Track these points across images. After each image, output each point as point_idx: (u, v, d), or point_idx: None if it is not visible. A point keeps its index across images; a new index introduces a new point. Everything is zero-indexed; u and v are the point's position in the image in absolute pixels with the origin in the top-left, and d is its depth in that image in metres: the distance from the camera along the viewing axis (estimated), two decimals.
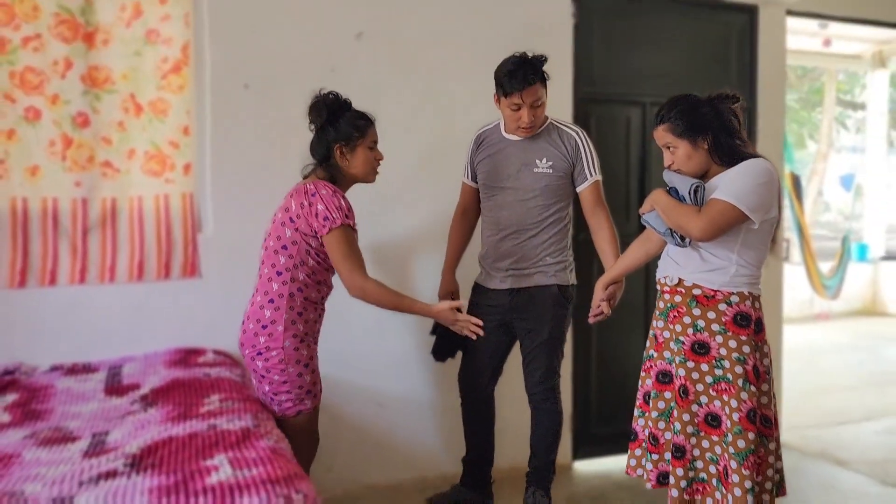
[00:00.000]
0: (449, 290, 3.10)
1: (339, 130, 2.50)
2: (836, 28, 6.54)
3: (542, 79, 2.81)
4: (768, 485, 2.35)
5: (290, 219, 2.46)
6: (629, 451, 2.53)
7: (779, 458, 2.39)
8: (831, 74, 10.75)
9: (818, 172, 11.81)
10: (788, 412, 4.14)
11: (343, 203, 2.45)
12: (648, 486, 2.45)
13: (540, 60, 2.82)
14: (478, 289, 3.07)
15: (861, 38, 7.92)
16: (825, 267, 7.45)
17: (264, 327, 2.45)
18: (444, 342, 3.08)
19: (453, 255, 3.12)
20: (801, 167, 12.86)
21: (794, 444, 3.94)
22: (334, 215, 2.42)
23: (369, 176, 2.61)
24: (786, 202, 5.53)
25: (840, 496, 3.30)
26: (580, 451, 3.66)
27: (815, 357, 6.36)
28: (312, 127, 2.54)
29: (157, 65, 2.97)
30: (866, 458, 3.75)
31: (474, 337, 2.71)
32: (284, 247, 2.46)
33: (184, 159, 3.03)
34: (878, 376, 5.50)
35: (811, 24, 5.91)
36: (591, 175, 2.94)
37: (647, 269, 3.41)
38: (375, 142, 2.59)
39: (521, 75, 2.76)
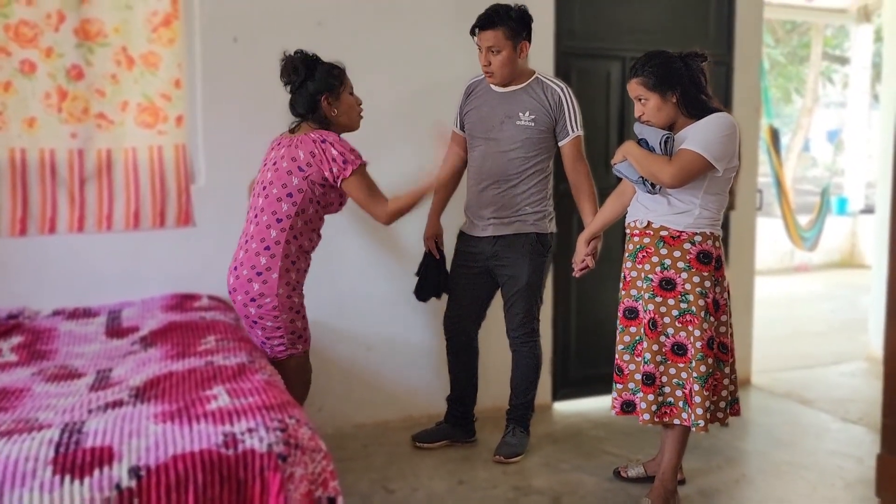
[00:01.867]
0: (434, 233, 3.23)
1: (321, 82, 2.60)
2: None
3: (507, 28, 2.89)
4: (722, 404, 2.63)
5: (299, 167, 2.56)
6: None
7: (733, 381, 2.66)
8: (818, 29, 10.77)
9: (803, 127, 11.89)
10: (761, 356, 4.34)
11: (347, 144, 2.58)
12: (613, 413, 2.68)
13: (506, 9, 2.90)
14: (462, 236, 3.21)
15: None
16: (804, 220, 7.61)
17: (259, 274, 2.56)
18: (426, 282, 3.23)
19: (440, 200, 3.23)
20: (787, 122, 12.95)
21: (763, 385, 4.15)
22: (352, 157, 2.56)
23: (355, 122, 2.72)
24: (764, 156, 5.65)
25: (801, 431, 3.51)
26: (559, 393, 3.83)
27: (791, 305, 6.57)
28: (289, 88, 2.63)
29: (148, 18, 3.03)
30: (829, 398, 3.95)
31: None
32: (290, 194, 2.56)
33: (176, 111, 3.12)
34: (849, 323, 5.70)
35: None
36: (572, 130, 3.05)
37: (625, 221, 3.55)
38: (352, 87, 2.69)
39: (481, 18, 2.90)
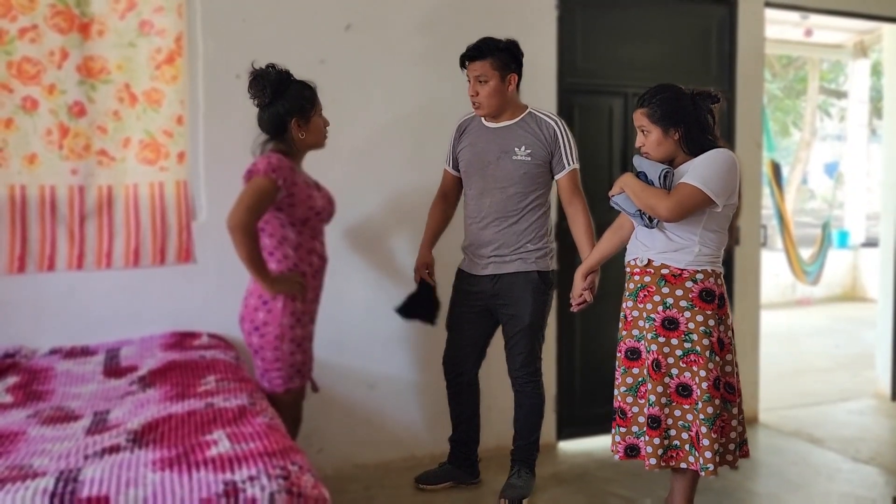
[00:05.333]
0: (425, 262, 3.17)
1: (292, 104, 2.52)
2: (817, 18, 6.65)
3: (494, 58, 2.90)
4: (731, 446, 2.56)
5: None
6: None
7: (741, 422, 2.59)
8: (814, 63, 10.86)
9: (801, 160, 11.94)
10: (767, 393, 4.28)
11: (273, 162, 2.45)
12: (616, 457, 2.60)
13: (495, 41, 2.91)
14: (461, 275, 3.16)
15: (842, 28, 8.02)
16: (806, 253, 7.59)
17: (265, 303, 2.52)
18: (415, 302, 3.15)
19: (431, 232, 3.19)
20: (786, 155, 13.02)
21: (771, 423, 4.08)
22: (264, 168, 2.44)
23: (321, 142, 2.65)
24: (766, 189, 5.65)
25: (813, 471, 3.43)
26: (564, 432, 3.77)
27: (795, 340, 6.52)
28: (256, 102, 2.55)
29: (151, 55, 3.03)
30: (838, 436, 3.89)
31: None
32: (261, 228, 2.52)
33: (178, 148, 3.10)
34: (854, 358, 5.65)
35: (793, 14, 6.00)
36: (568, 164, 3.02)
37: (624, 259, 3.52)
38: (321, 108, 2.63)
39: (470, 49, 2.91)
